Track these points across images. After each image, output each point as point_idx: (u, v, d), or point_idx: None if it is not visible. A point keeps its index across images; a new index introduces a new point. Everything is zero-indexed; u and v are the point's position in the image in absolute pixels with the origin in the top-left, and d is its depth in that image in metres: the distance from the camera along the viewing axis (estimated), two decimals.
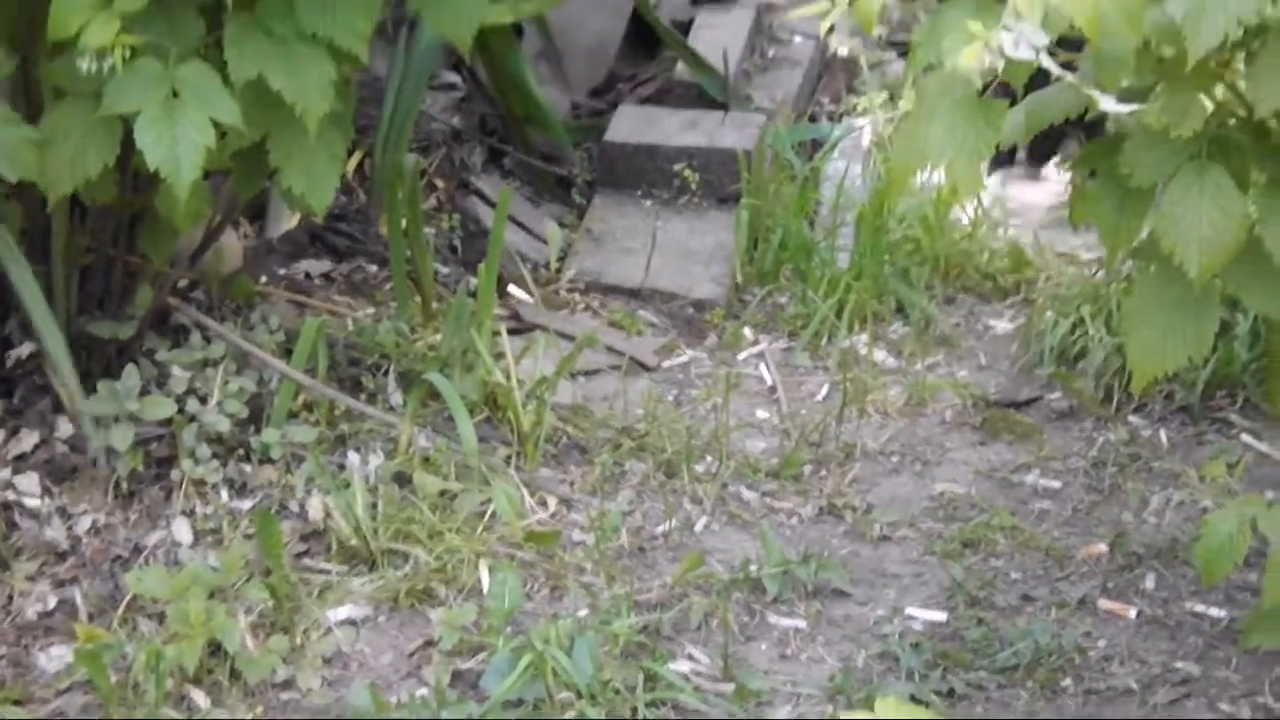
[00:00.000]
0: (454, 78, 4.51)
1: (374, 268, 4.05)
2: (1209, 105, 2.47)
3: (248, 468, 3.28)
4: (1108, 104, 2.34)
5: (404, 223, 3.75)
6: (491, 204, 4.16)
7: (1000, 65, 2.29)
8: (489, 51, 4.32)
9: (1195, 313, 2.55)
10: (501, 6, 3.64)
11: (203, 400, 3.31)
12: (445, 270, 4.09)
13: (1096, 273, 4.06)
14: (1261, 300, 2.57)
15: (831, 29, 2.45)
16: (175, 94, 2.77)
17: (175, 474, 3.24)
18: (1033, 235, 4.34)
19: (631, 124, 4.50)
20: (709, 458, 3.55)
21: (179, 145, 2.73)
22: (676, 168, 4.40)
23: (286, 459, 3.31)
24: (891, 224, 4.26)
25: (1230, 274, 2.53)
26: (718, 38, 4.79)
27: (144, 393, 3.25)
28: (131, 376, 3.23)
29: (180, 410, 3.27)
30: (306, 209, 3.04)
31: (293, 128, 2.90)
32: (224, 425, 3.28)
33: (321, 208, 3.02)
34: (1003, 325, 4.18)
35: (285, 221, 4.02)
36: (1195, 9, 2.29)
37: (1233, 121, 2.50)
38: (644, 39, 4.85)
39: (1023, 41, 2.29)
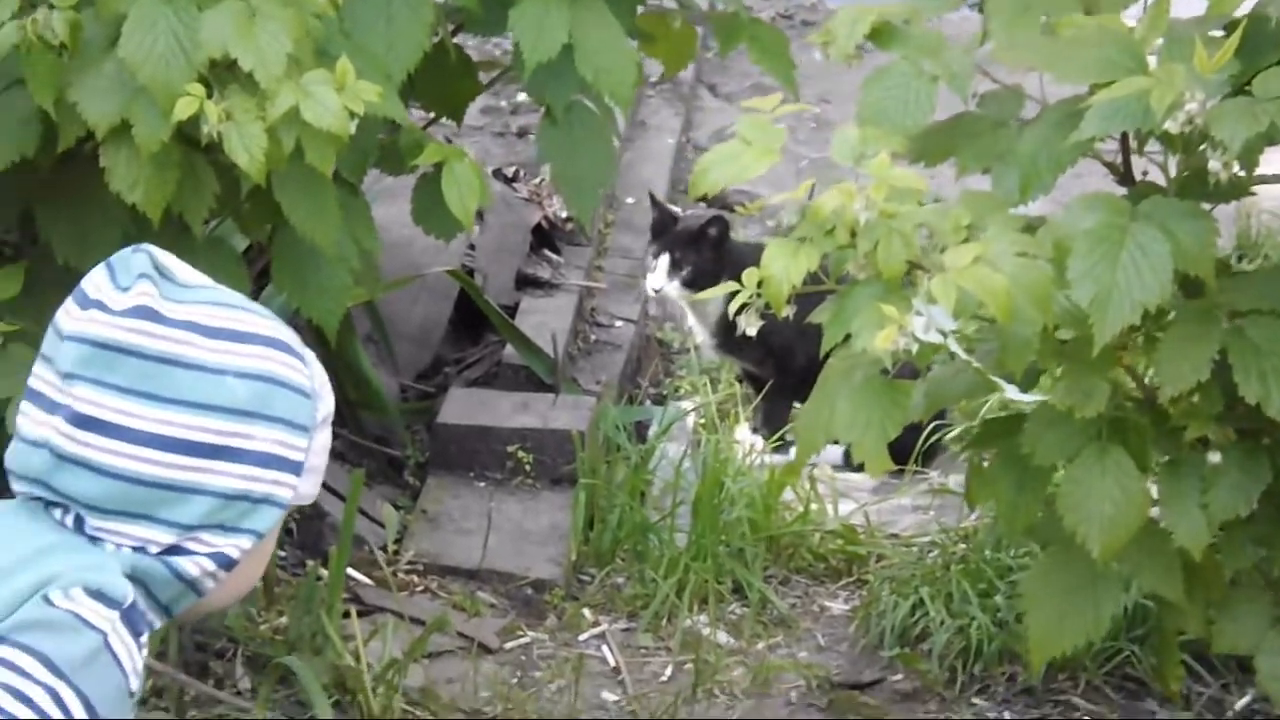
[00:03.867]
0: None
1: None
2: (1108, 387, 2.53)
3: None
4: (1012, 392, 2.39)
5: None
6: (326, 486, 4.10)
7: (914, 348, 2.32)
8: (323, 336, 4.28)
9: (1094, 593, 2.58)
10: None
11: None
12: (282, 554, 4.01)
13: (931, 554, 4.11)
14: (1158, 580, 2.59)
15: (742, 309, 2.47)
16: None
17: None
18: (864, 516, 4.40)
19: (463, 406, 4.49)
20: None
21: None
22: (510, 449, 4.39)
23: None
24: (726, 505, 4.28)
25: (1127, 554, 2.56)
26: (544, 321, 4.82)
27: None
28: None
29: None
30: None
31: None
32: None
33: None
34: (838, 606, 4.21)
35: None
36: (1102, 295, 2.33)
37: (1129, 403, 2.57)
38: (469, 323, 4.87)
39: (932, 325, 2.34)
